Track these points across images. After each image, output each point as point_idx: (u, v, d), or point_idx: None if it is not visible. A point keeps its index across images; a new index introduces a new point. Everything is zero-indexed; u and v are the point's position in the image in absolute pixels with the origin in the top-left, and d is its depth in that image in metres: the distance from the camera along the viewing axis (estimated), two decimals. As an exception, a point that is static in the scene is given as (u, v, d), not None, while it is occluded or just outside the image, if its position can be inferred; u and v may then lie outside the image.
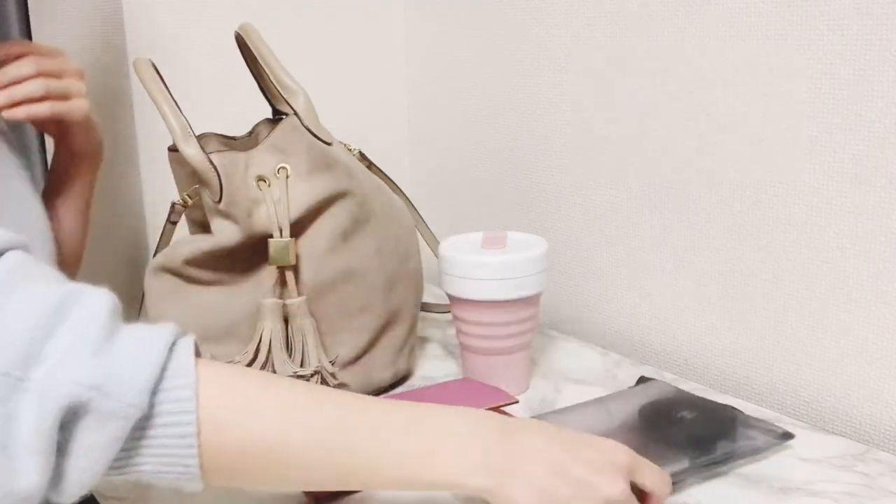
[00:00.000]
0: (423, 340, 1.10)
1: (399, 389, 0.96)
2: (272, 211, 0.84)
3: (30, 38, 1.40)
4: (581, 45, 1.06)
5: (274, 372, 0.85)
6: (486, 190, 1.26)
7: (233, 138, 0.93)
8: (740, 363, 0.96)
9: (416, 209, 1.04)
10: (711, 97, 0.93)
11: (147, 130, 1.16)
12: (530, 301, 0.91)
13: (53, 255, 0.84)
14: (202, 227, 0.89)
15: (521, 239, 0.95)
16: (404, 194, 1.03)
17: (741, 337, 0.95)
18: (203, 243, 0.85)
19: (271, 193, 0.84)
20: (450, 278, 0.91)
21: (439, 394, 0.89)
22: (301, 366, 0.85)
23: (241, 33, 0.91)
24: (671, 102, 0.97)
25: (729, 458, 0.76)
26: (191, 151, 0.83)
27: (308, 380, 0.85)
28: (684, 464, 0.73)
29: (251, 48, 0.90)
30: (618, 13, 1.01)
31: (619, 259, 1.08)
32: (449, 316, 1.13)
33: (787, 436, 0.79)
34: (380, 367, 0.93)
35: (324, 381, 0.87)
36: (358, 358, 0.91)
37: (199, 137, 0.94)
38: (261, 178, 0.85)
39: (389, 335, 0.93)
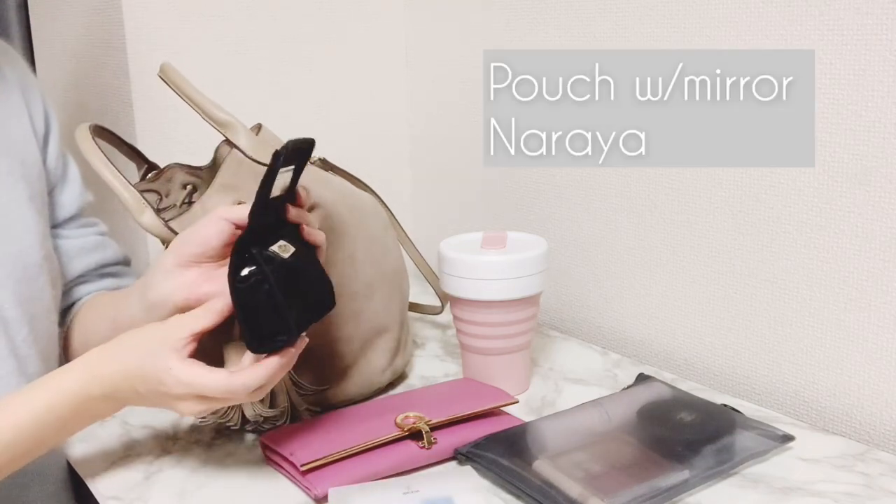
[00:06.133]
0: (423, 340, 1.10)
1: (398, 389, 0.96)
2: None
3: (30, 37, 1.40)
4: (581, 45, 1.06)
5: (242, 414, 0.84)
6: (486, 190, 1.26)
7: (199, 168, 0.92)
8: (740, 363, 0.96)
9: (388, 207, 1.02)
10: (711, 97, 0.93)
11: (148, 131, 1.16)
12: (530, 301, 0.91)
13: (45, 270, 0.84)
14: None
15: (521, 239, 0.95)
16: (374, 192, 1.01)
17: (741, 337, 0.95)
18: None
19: None
20: (450, 278, 0.91)
21: (439, 394, 0.89)
22: (270, 406, 0.84)
23: (162, 76, 0.86)
24: (671, 102, 0.97)
25: (729, 466, 0.76)
26: (148, 222, 0.82)
27: (277, 419, 0.85)
28: (685, 475, 0.73)
29: (175, 90, 0.85)
30: (617, 13, 1.01)
31: (619, 259, 1.07)
32: (442, 316, 1.13)
33: (788, 438, 0.79)
34: (377, 370, 0.93)
35: (293, 418, 0.86)
36: (352, 366, 0.91)
37: (165, 169, 0.92)
38: None
39: (382, 338, 0.93)
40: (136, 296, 0.78)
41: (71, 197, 0.93)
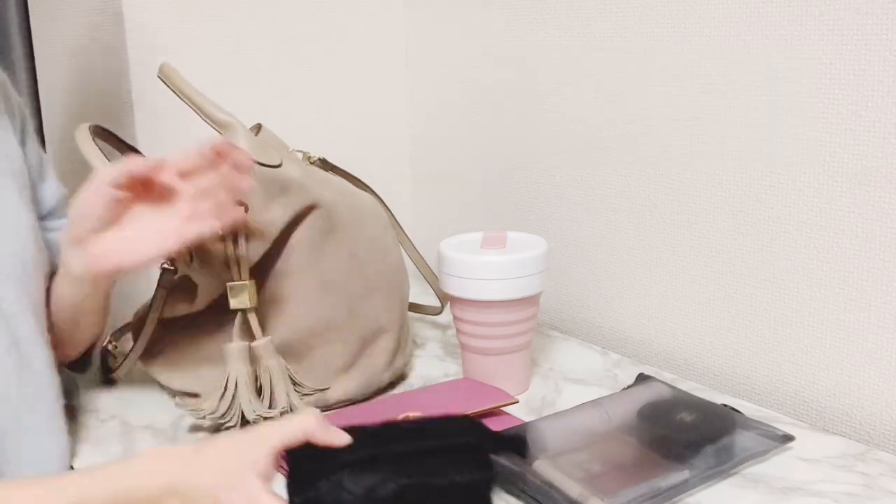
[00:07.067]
0: (423, 340, 1.10)
1: (398, 389, 0.96)
2: (231, 255, 0.84)
3: (30, 37, 1.40)
4: (581, 45, 1.06)
5: (242, 414, 0.84)
6: (486, 190, 1.26)
7: None
8: (740, 363, 0.96)
9: (388, 207, 1.02)
10: (712, 97, 0.93)
11: (148, 131, 1.16)
12: (530, 301, 0.91)
13: (40, 264, 0.84)
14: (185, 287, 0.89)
15: (521, 239, 0.95)
16: (374, 192, 1.01)
17: (741, 337, 0.95)
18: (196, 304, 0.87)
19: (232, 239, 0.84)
20: (450, 278, 0.91)
21: (439, 394, 0.89)
22: (270, 406, 0.84)
23: (161, 77, 0.86)
24: (671, 102, 0.97)
25: (729, 466, 0.76)
26: None
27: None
28: (685, 475, 0.73)
29: (174, 90, 0.86)
30: (617, 13, 1.01)
31: (619, 259, 1.08)
32: (442, 316, 1.13)
33: (788, 438, 0.79)
34: (377, 369, 0.93)
35: None
36: (353, 364, 0.91)
37: None
38: None
39: (382, 338, 0.93)
40: (64, 276, 0.84)
41: (51, 191, 0.93)
